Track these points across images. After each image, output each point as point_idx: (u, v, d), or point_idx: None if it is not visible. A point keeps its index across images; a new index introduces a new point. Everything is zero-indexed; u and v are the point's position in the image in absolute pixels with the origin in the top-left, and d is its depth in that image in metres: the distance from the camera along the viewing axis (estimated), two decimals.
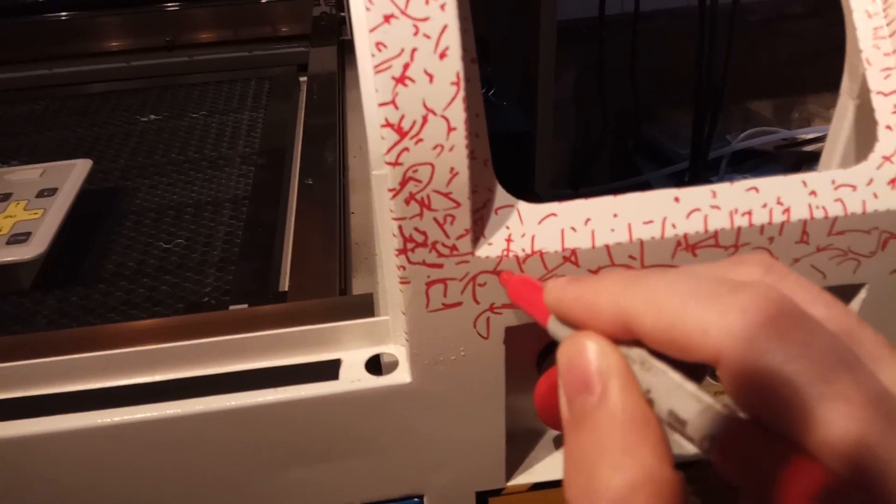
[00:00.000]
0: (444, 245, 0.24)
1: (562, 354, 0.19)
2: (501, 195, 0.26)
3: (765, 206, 0.26)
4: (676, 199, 0.26)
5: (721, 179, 1.02)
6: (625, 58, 0.98)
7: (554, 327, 0.21)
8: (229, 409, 0.27)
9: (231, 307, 0.35)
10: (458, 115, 0.22)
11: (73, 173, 0.50)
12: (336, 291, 0.34)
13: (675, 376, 0.17)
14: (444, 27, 0.21)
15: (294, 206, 0.47)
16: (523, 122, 0.57)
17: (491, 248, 0.25)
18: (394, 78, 0.22)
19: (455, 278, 0.25)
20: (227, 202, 0.52)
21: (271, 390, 0.27)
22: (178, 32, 0.75)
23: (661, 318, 0.17)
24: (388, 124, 0.22)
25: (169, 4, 0.76)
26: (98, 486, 0.27)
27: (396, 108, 0.22)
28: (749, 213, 0.26)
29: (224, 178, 0.55)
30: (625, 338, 0.18)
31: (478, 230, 0.25)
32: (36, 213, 0.46)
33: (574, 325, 0.20)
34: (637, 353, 0.18)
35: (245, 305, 0.35)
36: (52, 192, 0.48)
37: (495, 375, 0.28)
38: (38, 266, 0.45)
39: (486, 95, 0.59)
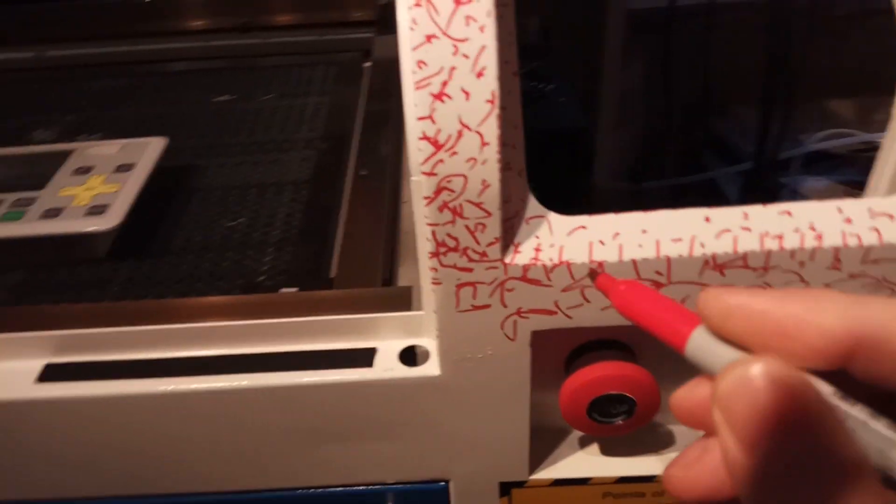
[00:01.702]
0: (474, 251, 0.26)
1: (735, 384, 0.15)
2: (533, 205, 0.27)
3: (797, 230, 0.26)
4: (707, 219, 0.26)
5: (793, 181, 0.99)
6: (695, 50, 0.96)
7: (701, 350, 0.17)
8: (271, 387, 0.29)
9: (282, 290, 0.38)
10: (491, 131, 0.23)
11: (149, 150, 0.53)
12: (379, 281, 0.36)
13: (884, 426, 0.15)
14: (482, 48, 0.23)
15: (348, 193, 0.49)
16: (581, 118, 0.57)
17: (520, 256, 0.26)
18: (432, 94, 0.23)
19: (484, 282, 0.27)
20: (288, 184, 0.55)
21: (311, 372, 0.30)
22: (255, 14, 0.78)
23: None
24: (425, 137, 0.23)
25: None
26: (147, 450, 0.30)
27: (434, 122, 0.23)
28: (780, 236, 0.26)
29: (287, 160, 0.58)
30: (834, 365, 0.15)
31: (508, 238, 0.26)
32: (113, 187, 0.49)
33: (742, 346, 0.16)
34: (834, 391, 0.16)
35: (295, 289, 0.38)
36: (129, 167, 0.51)
37: (520, 375, 0.30)
38: (114, 236, 0.49)
39: (544, 91, 0.60)
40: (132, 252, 0.49)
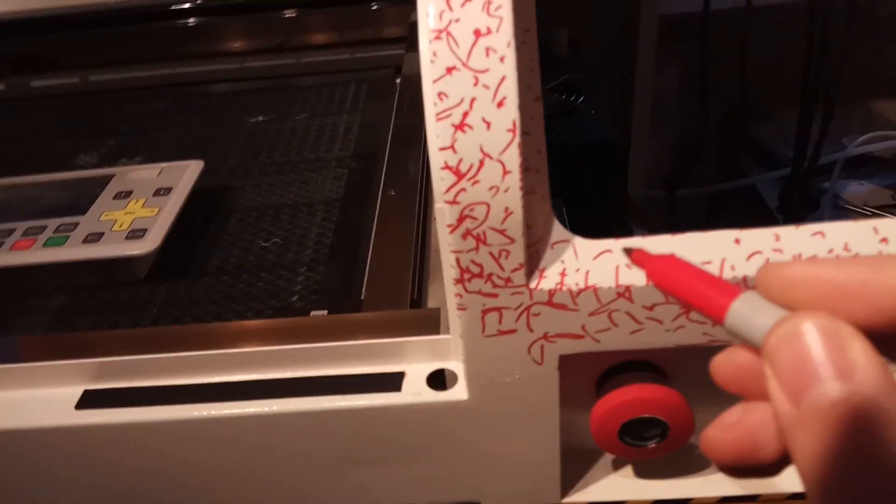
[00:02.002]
0: (499, 277, 0.26)
1: (783, 338, 0.15)
2: (558, 230, 0.27)
3: (831, 251, 0.25)
4: (737, 241, 0.26)
5: (833, 186, 0.97)
6: (731, 54, 0.94)
7: (743, 318, 0.17)
8: (301, 412, 0.30)
9: (312, 313, 0.38)
10: (513, 159, 0.23)
11: (186, 174, 0.54)
12: (407, 302, 0.36)
13: None
14: (503, 78, 0.23)
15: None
16: (611, 131, 0.57)
17: (545, 281, 0.26)
18: (453, 125, 0.23)
19: (510, 307, 0.27)
20: (320, 204, 0.56)
21: (340, 397, 0.30)
22: (288, 34, 0.80)
23: None
24: (447, 167, 0.23)
25: (286, 12, 0.81)
26: (181, 475, 0.31)
27: (455, 152, 0.23)
28: (813, 258, 0.25)
29: (320, 180, 0.59)
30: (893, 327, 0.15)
31: (533, 263, 0.26)
32: (152, 211, 0.51)
33: (809, 307, 0.16)
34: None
35: (325, 312, 0.38)
36: (167, 191, 0.53)
37: (549, 398, 0.29)
38: (153, 259, 0.51)
39: (575, 103, 0.60)
40: (171, 273, 0.50)
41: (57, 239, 0.49)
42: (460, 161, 0.23)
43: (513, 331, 0.27)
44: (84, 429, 0.30)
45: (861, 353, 0.14)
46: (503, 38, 0.22)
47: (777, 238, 0.26)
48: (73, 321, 0.46)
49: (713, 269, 0.26)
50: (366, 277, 0.40)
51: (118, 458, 0.30)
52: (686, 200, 0.99)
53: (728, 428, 0.17)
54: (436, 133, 0.23)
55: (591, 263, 0.26)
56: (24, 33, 0.80)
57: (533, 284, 0.26)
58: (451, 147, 0.23)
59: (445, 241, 0.25)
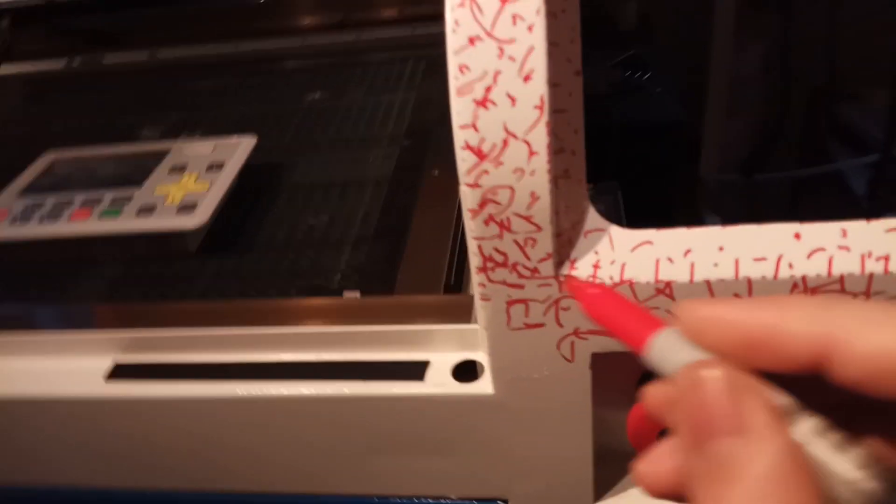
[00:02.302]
0: (525, 267, 0.24)
1: (687, 385, 0.16)
2: (593, 217, 0.24)
3: None
4: (797, 236, 0.23)
5: None
6: (817, 27, 0.87)
7: (662, 354, 0.17)
8: (321, 397, 0.29)
9: (345, 293, 0.37)
10: (540, 139, 0.21)
11: (239, 150, 0.55)
12: (441, 287, 0.35)
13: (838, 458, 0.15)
14: (531, 49, 0.21)
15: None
16: (681, 109, 0.53)
17: (576, 273, 0.24)
18: (475, 101, 0.21)
19: (537, 300, 0.25)
20: (369, 183, 0.55)
21: (360, 383, 0.29)
22: (350, 10, 0.79)
23: (884, 341, 0.14)
24: (467, 147, 0.22)
25: None
26: (203, 449, 0.31)
27: (476, 131, 0.21)
28: (886, 257, 0.22)
29: (371, 158, 0.58)
30: (806, 371, 0.15)
31: (563, 253, 0.24)
32: (204, 186, 0.51)
33: (718, 352, 0.16)
34: (789, 402, 0.15)
35: (357, 293, 0.37)
36: (220, 166, 0.53)
37: (581, 398, 0.28)
38: (204, 233, 0.51)
39: (641, 80, 0.56)
40: (221, 248, 0.51)
41: (112, 211, 0.50)
42: (482, 140, 0.21)
43: (540, 325, 0.25)
44: (112, 401, 0.30)
45: (757, 409, 0.15)
46: (532, 4, 0.20)
47: (844, 234, 0.23)
48: (125, 292, 0.47)
49: (768, 266, 0.23)
50: (402, 259, 0.39)
51: (144, 431, 0.31)
52: (764, 186, 0.93)
53: (656, 462, 0.17)
54: (456, 110, 0.21)
55: (629, 255, 0.24)
56: (98, 11, 0.82)
57: (562, 276, 0.24)
58: (473, 125, 0.21)
59: (468, 227, 0.24)
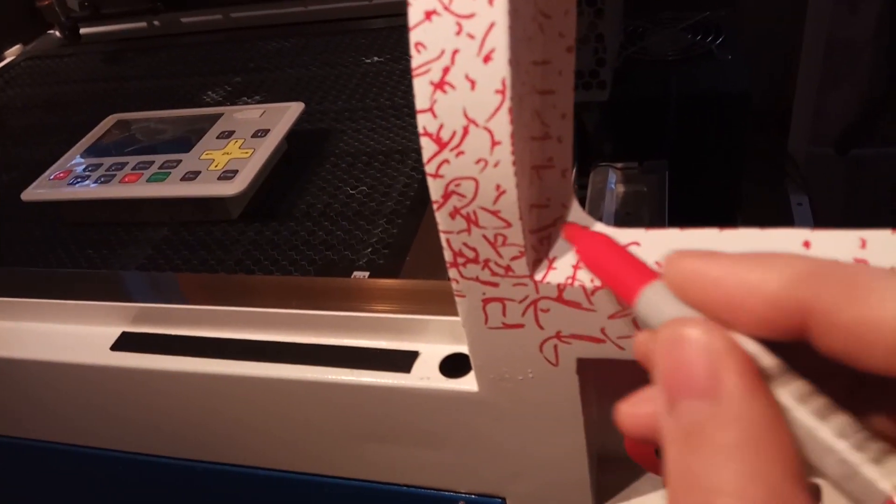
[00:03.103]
0: (497, 265, 0.22)
1: (664, 343, 0.15)
2: (577, 213, 0.22)
3: None
4: (807, 244, 0.20)
5: None
6: None
7: (650, 307, 0.16)
8: (308, 381, 0.28)
9: (354, 274, 0.37)
10: (502, 127, 0.19)
11: (285, 117, 0.54)
12: (446, 275, 0.33)
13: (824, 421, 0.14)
14: (491, 25, 0.18)
15: None
16: (743, 79, 0.48)
17: (554, 274, 0.22)
18: (432, 83, 0.19)
19: (514, 300, 0.23)
20: (413, 152, 0.53)
21: (346, 371, 0.28)
22: None
23: (866, 312, 0.13)
24: (426, 133, 0.20)
25: None
26: (200, 423, 0.31)
27: (435, 116, 0.20)
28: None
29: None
30: (788, 336, 0.14)
31: (540, 251, 0.22)
32: (246, 153, 0.51)
33: (702, 309, 0.15)
34: (773, 362, 0.14)
35: (367, 273, 0.36)
36: (265, 133, 0.53)
37: (569, 402, 0.25)
38: (247, 200, 0.52)
39: (710, 46, 0.51)
40: (262, 215, 0.51)
41: (160, 175, 0.51)
42: (441, 127, 0.20)
43: (520, 325, 0.23)
44: (115, 370, 0.31)
45: (733, 372, 0.14)
46: None
47: (863, 244, 0.19)
48: (168, 254, 0.49)
49: None
50: (414, 240, 0.38)
51: (142, 400, 0.31)
52: (862, 162, 0.85)
53: (638, 404, 0.17)
54: (415, 92, 0.20)
55: None
56: None
57: (539, 276, 0.22)
58: (430, 110, 0.19)
59: (437, 220, 0.22)
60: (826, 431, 0.13)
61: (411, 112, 0.58)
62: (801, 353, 0.14)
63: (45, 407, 0.33)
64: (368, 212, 0.49)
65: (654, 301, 0.16)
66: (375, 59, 0.68)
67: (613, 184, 0.42)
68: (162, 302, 0.32)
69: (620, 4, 0.44)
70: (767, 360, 0.14)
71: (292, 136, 0.55)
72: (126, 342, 0.31)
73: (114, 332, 0.32)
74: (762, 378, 0.14)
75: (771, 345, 0.15)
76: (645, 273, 0.17)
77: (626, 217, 0.40)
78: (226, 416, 0.31)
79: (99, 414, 0.32)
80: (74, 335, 0.32)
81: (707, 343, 0.14)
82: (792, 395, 0.14)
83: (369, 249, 0.45)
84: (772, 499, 0.13)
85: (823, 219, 0.79)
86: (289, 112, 0.55)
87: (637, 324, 0.22)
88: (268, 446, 0.31)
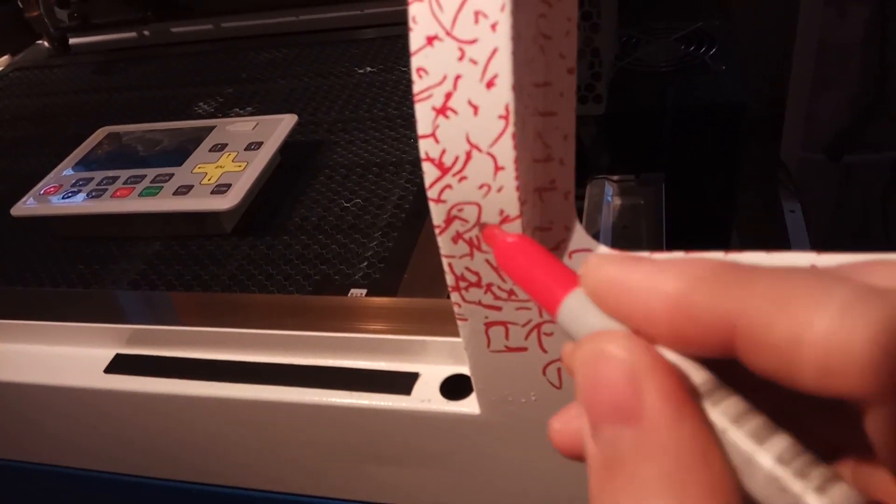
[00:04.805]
0: (500, 288, 0.22)
1: (583, 359, 0.14)
2: (580, 237, 0.22)
3: None
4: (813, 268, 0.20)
5: None
6: None
7: (572, 318, 0.15)
8: (308, 403, 0.28)
9: (351, 291, 0.36)
10: (506, 153, 0.19)
11: (278, 129, 0.54)
12: (445, 293, 0.33)
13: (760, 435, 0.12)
14: (494, 51, 0.18)
15: None
16: (739, 91, 0.48)
17: None
18: (434, 108, 0.19)
19: (517, 323, 0.22)
20: (407, 164, 0.53)
21: (347, 393, 0.28)
22: None
23: (796, 325, 0.12)
24: (428, 158, 0.20)
25: None
26: (192, 443, 0.30)
27: (437, 141, 0.19)
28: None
29: (413, 137, 0.56)
30: (714, 354, 0.13)
31: None
32: (240, 166, 0.51)
33: (624, 321, 0.14)
34: (704, 378, 0.13)
35: (364, 291, 0.36)
36: (258, 146, 0.53)
37: None
38: (240, 213, 0.51)
39: (703, 57, 0.51)
40: (255, 229, 0.51)
41: (152, 189, 0.50)
42: (443, 152, 0.19)
43: (523, 348, 0.23)
44: (110, 393, 0.30)
45: (656, 393, 0.12)
46: None
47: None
48: (160, 269, 0.48)
49: None
50: (412, 255, 0.37)
51: (141, 422, 0.31)
52: (855, 168, 0.85)
53: (568, 422, 0.15)
54: (417, 117, 0.19)
55: None
56: None
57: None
58: (433, 135, 0.19)
59: (439, 244, 0.22)
60: (765, 456, 0.12)
61: (405, 123, 0.58)
62: (731, 367, 0.13)
63: (39, 429, 0.32)
64: (364, 225, 0.49)
65: (577, 311, 0.15)
66: (368, 69, 0.68)
67: (610, 196, 0.41)
68: (156, 321, 0.31)
69: (615, 18, 0.44)
70: (698, 375, 0.13)
71: (285, 147, 0.54)
72: (120, 364, 0.31)
73: (107, 353, 0.32)
74: (691, 398, 0.13)
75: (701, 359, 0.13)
76: (570, 280, 0.15)
77: (624, 230, 0.40)
78: (223, 439, 0.30)
79: (94, 436, 0.32)
80: (68, 357, 0.32)
81: (627, 360, 0.13)
82: (725, 416, 0.13)
83: (365, 263, 0.45)
84: None
85: (816, 226, 0.79)
86: (282, 124, 0.55)
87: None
88: (265, 468, 0.31)
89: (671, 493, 0.12)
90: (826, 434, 0.14)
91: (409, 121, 0.58)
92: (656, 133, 0.45)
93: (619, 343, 0.13)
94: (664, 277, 0.13)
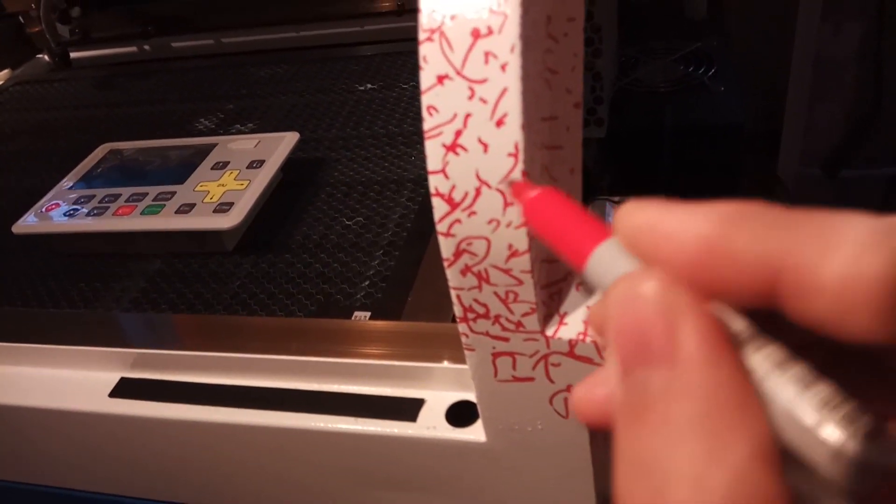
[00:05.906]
0: (508, 320, 0.22)
1: (615, 301, 0.13)
2: None
3: None
4: None
5: None
6: None
7: (603, 266, 0.14)
8: (312, 430, 0.28)
9: (354, 314, 0.36)
10: None
11: (280, 147, 0.54)
12: (450, 316, 0.33)
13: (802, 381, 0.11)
14: (504, 91, 0.18)
15: None
16: (737, 112, 0.49)
17: (565, 330, 0.22)
18: (444, 146, 0.19)
19: (524, 354, 0.23)
20: (409, 182, 0.53)
21: (351, 419, 0.28)
22: None
23: (849, 265, 0.11)
24: (437, 194, 0.20)
25: None
26: (199, 466, 0.30)
27: (447, 177, 0.19)
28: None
29: (414, 154, 0.56)
30: (756, 301, 0.12)
31: (551, 306, 0.22)
32: (242, 185, 0.51)
33: (657, 266, 0.13)
34: (744, 324, 0.12)
35: (367, 314, 0.36)
36: (260, 164, 0.53)
37: (579, 455, 0.25)
38: (242, 232, 0.51)
39: (703, 78, 0.52)
40: (257, 247, 0.51)
41: (154, 207, 0.50)
42: (453, 188, 0.20)
43: (530, 378, 0.23)
44: (115, 417, 0.30)
45: (693, 334, 0.12)
46: (506, 40, 0.18)
47: None
48: (162, 288, 0.48)
49: None
50: (416, 279, 0.37)
51: (146, 446, 0.31)
52: (851, 183, 0.86)
53: (593, 387, 0.15)
54: (427, 153, 0.19)
55: None
56: None
57: (550, 332, 0.22)
58: (443, 171, 0.19)
59: (447, 276, 0.22)
60: (808, 402, 0.11)
61: (406, 141, 0.58)
62: (766, 324, 0.12)
63: (44, 452, 0.32)
64: (365, 243, 0.49)
65: (608, 260, 0.14)
66: (369, 86, 0.68)
67: (611, 218, 0.42)
68: (161, 345, 0.31)
69: (615, 42, 0.45)
70: (737, 322, 0.12)
71: (287, 164, 0.54)
72: (125, 389, 0.31)
73: (112, 377, 0.32)
74: (729, 340, 0.12)
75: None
76: (600, 232, 0.15)
77: None
78: (228, 464, 0.30)
79: (98, 459, 0.32)
80: (72, 381, 0.32)
81: (663, 299, 0.12)
82: (768, 360, 0.12)
83: (367, 283, 0.45)
84: (735, 486, 0.11)
85: None
86: (284, 142, 0.55)
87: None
88: (270, 493, 0.31)
89: (702, 436, 0.11)
90: (869, 400, 0.12)
91: (411, 138, 0.58)
92: (656, 155, 0.46)
93: (655, 282, 0.12)
94: (703, 220, 0.13)
